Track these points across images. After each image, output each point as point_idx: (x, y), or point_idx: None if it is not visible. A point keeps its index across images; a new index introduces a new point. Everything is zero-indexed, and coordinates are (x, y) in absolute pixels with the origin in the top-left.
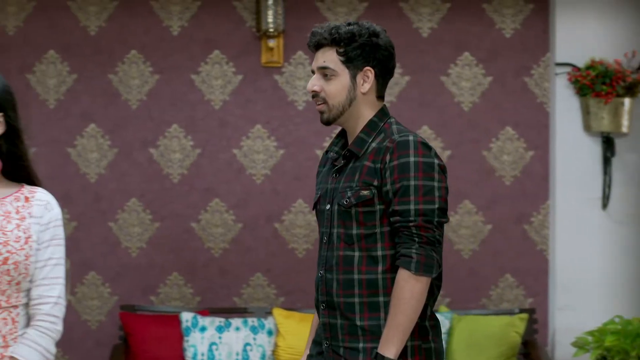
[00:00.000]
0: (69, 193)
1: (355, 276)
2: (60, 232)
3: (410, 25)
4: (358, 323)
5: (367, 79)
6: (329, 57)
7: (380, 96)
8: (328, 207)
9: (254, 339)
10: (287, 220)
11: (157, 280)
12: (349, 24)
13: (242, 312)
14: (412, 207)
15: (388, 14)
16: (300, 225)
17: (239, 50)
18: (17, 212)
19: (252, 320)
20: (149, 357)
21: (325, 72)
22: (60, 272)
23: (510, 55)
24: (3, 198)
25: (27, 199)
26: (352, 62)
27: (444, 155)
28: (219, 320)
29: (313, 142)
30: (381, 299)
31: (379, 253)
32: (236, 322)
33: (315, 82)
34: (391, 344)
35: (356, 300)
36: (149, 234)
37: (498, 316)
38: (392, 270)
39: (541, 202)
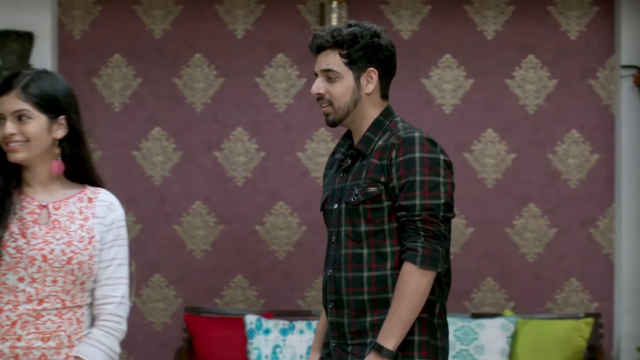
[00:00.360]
0: (134, 196)
1: (365, 273)
2: (123, 233)
3: (475, 27)
4: (368, 319)
5: (370, 80)
6: (332, 60)
7: (385, 95)
8: (336, 206)
9: None
10: None
11: (221, 282)
12: (350, 26)
13: (306, 314)
14: (417, 202)
15: (452, 17)
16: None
17: (303, 53)
18: (81, 213)
19: (316, 323)
20: (213, 359)
21: (329, 75)
22: (123, 272)
23: (576, 57)
24: (67, 199)
25: (90, 199)
26: (356, 64)
27: (509, 158)
28: (282, 323)
29: None
30: (390, 294)
31: (388, 249)
32: (300, 324)
33: (319, 85)
34: (392, 335)
35: (365, 297)
36: (214, 236)
37: (563, 320)
38: (401, 266)
39: (607, 205)
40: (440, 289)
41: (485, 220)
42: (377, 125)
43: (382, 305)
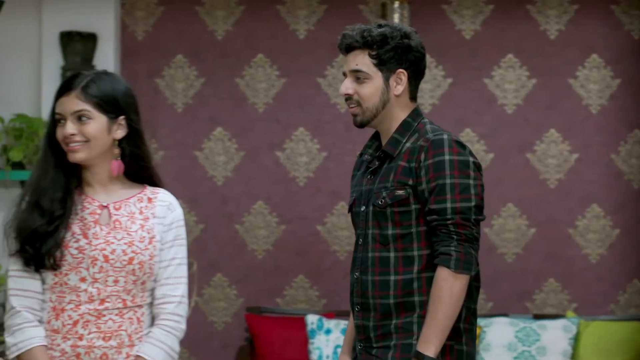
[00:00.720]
0: (197, 196)
1: (392, 277)
2: (182, 233)
3: (538, 27)
4: (393, 322)
5: (400, 81)
6: (362, 60)
7: (414, 97)
8: (363, 208)
9: None
10: None
11: (282, 282)
12: (380, 26)
13: None
14: (448, 205)
15: (515, 16)
16: None
17: None
18: (141, 213)
19: None
20: (275, 359)
21: (358, 75)
22: (183, 271)
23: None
24: (127, 199)
25: (150, 199)
26: (385, 65)
27: (571, 158)
28: (344, 323)
29: None
30: (416, 298)
31: (415, 253)
32: None
33: (348, 85)
34: (431, 343)
35: (391, 301)
36: (275, 236)
37: (626, 322)
38: (427, 269)
39: None
40: (469, 293)
41: (548, 220)
42: (405, 127)
43: (408, 308)
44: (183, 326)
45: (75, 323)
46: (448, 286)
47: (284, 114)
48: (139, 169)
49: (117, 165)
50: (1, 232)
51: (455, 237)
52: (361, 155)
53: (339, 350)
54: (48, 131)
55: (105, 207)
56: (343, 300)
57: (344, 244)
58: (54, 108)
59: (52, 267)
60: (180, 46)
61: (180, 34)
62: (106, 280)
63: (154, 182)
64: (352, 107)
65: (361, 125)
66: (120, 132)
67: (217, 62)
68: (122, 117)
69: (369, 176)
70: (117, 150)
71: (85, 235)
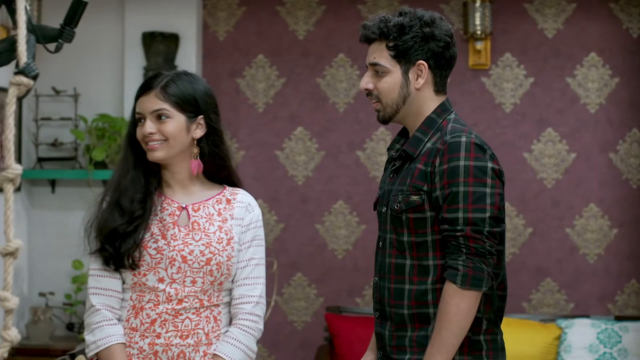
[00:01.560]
0: (277, 195)
1: (407, 286)
2: (260, 233)
3: (620, 26)
4: (408, 334)
5: (420, 74)
6: (379, 53)
7: (440, 90)
8: (384, 209)
9: None
10: None
11: (362, 282)
12: (400, 14)
13: None
14: (460, 215)
15: (597, 15)
16: (507, 229)
17: None
18: (219, 214)
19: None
20: (354, 358)
21: (377, 69)
22: (261, 272)
23: None
24: (205, 200)
25: (228, 201)
26: (404, 57)
27: None
28: None
29: (520, 145)
30: (431, 310)
31: (430, 262)
32: None
33: (368, 80)
34: None
35: (405, 311)
36: (355, 236)
37: None
38: (443, 280)
39: None
40: (490, 304)
41: (630, 221)
42: (428, 124)
43: (423, 320)
44: (261, 326)
45: (153, 322)
46: (454, 303)
47: (365, 113)
48: (217, 169)
49: (196, 165)
50: (82, 231)
51: (464, 250)
52: (389, 150)
53: None
54: (129, 131)
55: (184, 208)
56: None
57: None
58: (134, 108)
59: (131, 266)
60: (261, 46)
61: (261, 34)
62: (184, 281)
63: (233, 182)
64: (373, 103)
65: (384, 121)
66: (199, 132)
67: (298, 62)
68: (201, 117)
69: (392, 175)
70: (196, 150)
71: (164, 236)
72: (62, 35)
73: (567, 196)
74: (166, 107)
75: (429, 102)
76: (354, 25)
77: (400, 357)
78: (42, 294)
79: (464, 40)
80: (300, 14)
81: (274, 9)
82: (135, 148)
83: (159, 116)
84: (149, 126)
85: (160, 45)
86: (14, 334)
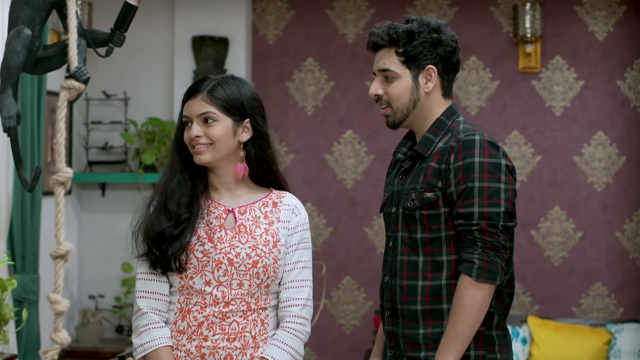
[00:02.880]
0: (326, 199)
1: (420, 282)
2: (307, 236)
3: None
4: (421, 331)
5: (430, 78)
6: (389, 59)
7: (447, 94)
8: (394, 210)
9: None
10: (543, 227)
11: None
12: (407, 21)
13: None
14: (475, 209)
15: None
16: (556, 232)
17: (496, 56)
18: (266, 217)
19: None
20: None
21: (386, 75)
22: (308, 274)
23: None
24: (252, 203)
25: (275, 204)
26: (413, 62)
27: None
28: None
29: (571, 149)
30: (445, 306)
31: (444, 258)
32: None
33: (377, 86)
34: (449, 352)
35: (419, 307)
36: None
37: None
38: (457, 276)
39: None
40: (500, 299)
41: None
42: (439, 126)
43: (436, 316)
44: (308, 329)
45: (200, 324)
46: (469, 295)
47: None
48: (263, 172)
49: (241, 168)
50: (130, 234)
51: (480, 244)
52: (395, 153)
53: None
54: (176, 134)
55: (231, 211)
56: None
57: None
58: (181, 111)
59: (178, 270)
60: (310, 50)
61: (311, 37)
62: (231, 284)
63: (280, 185)
64: (383, 108)
65: (394, 126)
66: (245, 135)
67: (347, 65)
68: (247, 120)
69: (400, 176)
70: (242, 153)
71: (211, 239)
72: (112, 39)
73: (617, 200)
74: (213, 110)
75: (438, 105)
76: None
77: (414, 355)
78: (91, 297)
79: (514, 43)
80: (350, 17)
81: (323, 12)
82: (182, 151)
83: (206, 119)
84: (196, 129)
85: (209, 49)
86: (64, 337)
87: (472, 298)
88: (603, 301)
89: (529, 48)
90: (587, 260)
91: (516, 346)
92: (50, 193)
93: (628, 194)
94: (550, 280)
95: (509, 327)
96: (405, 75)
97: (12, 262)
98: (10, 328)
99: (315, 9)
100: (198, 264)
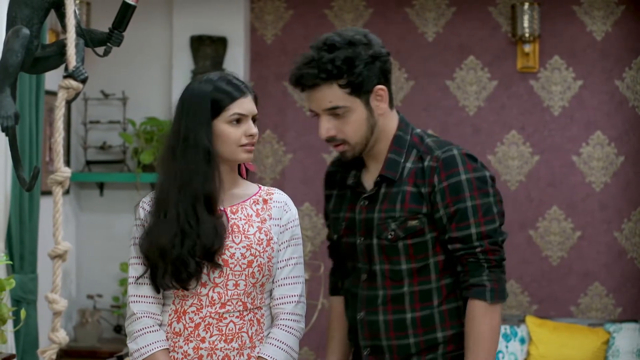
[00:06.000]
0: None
1: (408, 315)
2: (298, 232)
3: None
4: None
5: (381, 99)
6: (333, 95)
7: (392, 104)
8: (361, 240)
9: (506, 346)
10: (541, 227)
11: None
12: (333, 47)
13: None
14: (473, 230)
15: None
16: (555, 232)
17: (494, 55)
18: (257, 215)
19: (505, 328)
20: None
21: (336, 112)
22: (300, 271)
23: None
24: (243, 202)
25: (265, 201)
26: (361, 89)
27: None
28: (504, 328)
29: (569, 148)
30: (439, 334)
31: (434, 285)
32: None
33: (328, 126)
34: None
35: (411, 340)
36: None
37: None
38: (449, 300)
39: None
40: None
41: None
42: (399, 144)
43: (430, 347)
44: (302, 325)
45: (197, 326)
46: (487, 321)
47: (412, 116)
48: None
49: (250, 165)
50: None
51: (486, 265)
52: (332, 172)
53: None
54: (203, 139)
55: (222, 211)
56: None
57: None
58: (222, 108)
59: (174, 287)
60: (308, 49)
61: (309, 37)
62: (227, 285)
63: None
64: (338, 146)
65: (353, 158)
66: None
67: None
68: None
69: (363, 202)
70: None
71: None
72: (110, 39)
73: (616, 200)
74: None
75: (391, 121)
76: (402, 28)
77: None
78: (90, 297)
79: (512, 43)
80: (348, 17)
81: (322, 12)
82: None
83: (253, 119)
84: (252, 127)
85: (208, 49)
86: (62, 336)
87: (491, 323)
88: (601, 301)
89: (527, 48)
90: (585, 260)
91: (514, 346)
92: (48, 192)
93: (626, 194)
94: (549, 280)
95: (507, 327)
96: (356, 106)
97: (10, 262)
98: (9, 328)
99: (313, 8)
100: None
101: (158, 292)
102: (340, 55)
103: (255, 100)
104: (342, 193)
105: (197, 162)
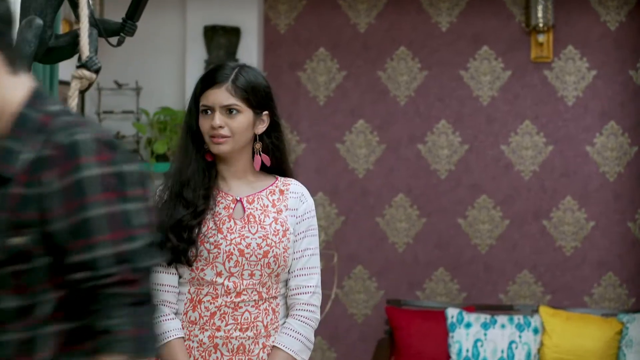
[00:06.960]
0: (338, 188)
1: None
2: (314, 223)
3: None
4: None
5: None
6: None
7: (15, 68)
8: None
9: (520, 336)
10: (555, 217)
11: (423, 275)
12: None
13: (508, 309)
14: (101, 252)
15: None
16: (568, 222)
17: (508, 45)
18: (274, 206)
19: (518, 318)
20: (414, 352)
21: None
22: (316, 262)
23: None
24: (259, 192)
25: (282, 191)
26: None
27: None
28: (484, 317)
29: (583, 138)
30: None
31: (44, 331)
32: (502, 319)
33: None
34: None
35: None
36: (416, 229)
37: None
38: (64, 355)
39: None
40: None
41: None
42: (21, 123)
43: None
44: (318, 316)
45: (213, 315)
46: None
47: (426, 106)
48: (277, 162)
49: (259, 160)
50: None
51: (122, 301)
52: None
53: (479, 343)
54: (189, 123)
55: (239, 201)
56: (483, 294)
57: (485, 238)
58: (195, 99)
59: (187, 263)
60: (322, 39)
61: (322, 27)
62: (242, 274)
63: (287, 174)
64: None
65: None
66: (261, 127)
67: (359, 55)
68: (265, 113)
69: None
70: (258, 145)
71: (220, 230)
72: (124, 29)
73: (629, 190)
74: (237, 102)
75: (9, 91)
76: (415, 18)
77: None
78: None
79: (526, 33)
80: (362, 7)
81: (335, 2)
82: (195, 139)
83: (230, 110)
84: (219, 119)
85: (221, 39)
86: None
87: None
88: (615, 291)
89: (541, 38)
90: (598, 250)
91: (528, 336)
92: None
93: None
94: (562, 270)
95: (521, 317)
96: None
97: None
98: None
99: None
100: (209, 256)
101: (174, 277)
102: None
103: (255, 92)
104: None
105: (186, 148)
